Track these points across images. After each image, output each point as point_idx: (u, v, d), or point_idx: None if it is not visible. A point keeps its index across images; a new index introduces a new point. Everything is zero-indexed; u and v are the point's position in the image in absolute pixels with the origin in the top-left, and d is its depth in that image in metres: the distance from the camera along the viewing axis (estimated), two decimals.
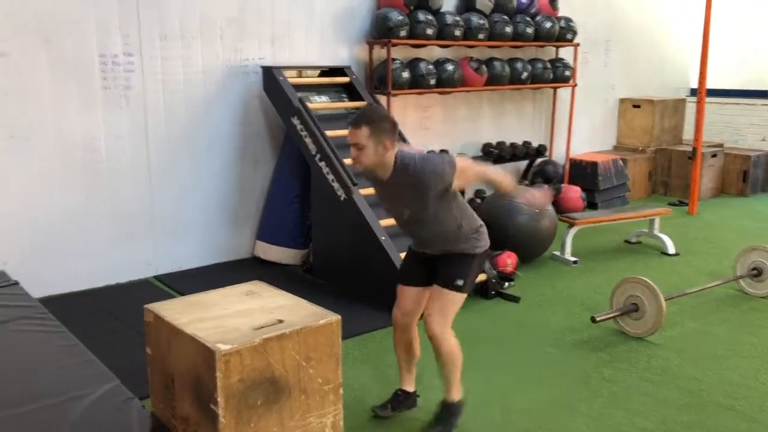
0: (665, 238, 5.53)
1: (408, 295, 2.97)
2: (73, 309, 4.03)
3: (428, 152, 2.90)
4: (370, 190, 4.49)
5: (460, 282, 2.79)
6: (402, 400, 3.04)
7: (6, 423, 2.32)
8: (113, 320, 3.93)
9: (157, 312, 2.33)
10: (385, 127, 2.64)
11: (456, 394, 2.91)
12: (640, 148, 7.82)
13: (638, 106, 7.90)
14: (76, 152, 4.31)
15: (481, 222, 2.92)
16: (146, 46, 4.47)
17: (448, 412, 2.90)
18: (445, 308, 2.80)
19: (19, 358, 2.84)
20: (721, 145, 8.00)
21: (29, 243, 4.20)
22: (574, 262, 5.16)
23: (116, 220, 4.52)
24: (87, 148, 4.34)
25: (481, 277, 4.37)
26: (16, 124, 4.08)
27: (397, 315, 3.00)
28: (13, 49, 3.99)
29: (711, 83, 6.95)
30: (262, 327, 2.19)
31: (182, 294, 4.13)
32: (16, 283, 3.78)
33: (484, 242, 2.88)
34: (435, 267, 2.86)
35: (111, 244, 4.52)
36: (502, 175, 2.90)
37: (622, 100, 8.02)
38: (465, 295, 2.85)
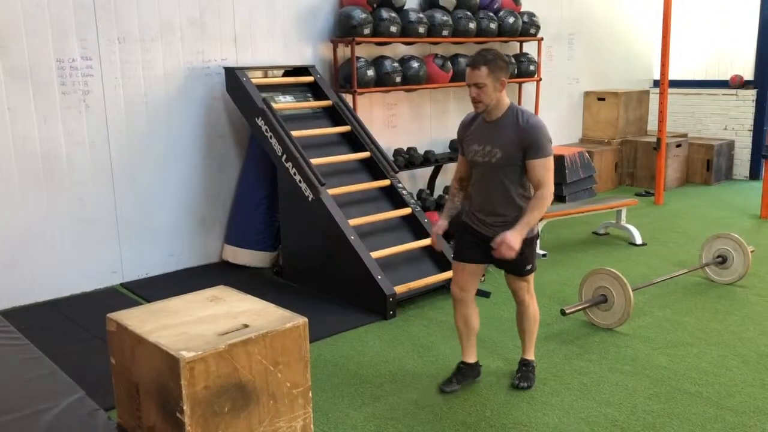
0: (632, 228, 5.60)
1: (464, 271, 3.14)
2: (37, 320, 3.95)
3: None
4: (338, 190, 4.48)
5: (529, 267, 3.09)
6: (465, 372, 3.23)
7: None
8: (78, 330, 3.85)
9: (120, 321, 2.28)
10: (500, 65, 2.86)
11: (532, 353, 3.26)
12: (606, 141, 7.91)
13: (603, 99, 7.98)
14: (35, 160, 4.21)
15: None
16: (104, 49, 4.39)
17: (527, 368, 3.24)
18: (527, 285, 3.15)
19: None
20: (685, 135, 8.12)
21: None
22: (543, 255, 5.19)
23: (80, 228, 4.43)
24: (47, 155, 4.25)
25: (451, 273, 4.37)
26: None
27: (455, 290, 3.19)
28: None
29: (674, 74, 7.05)
30: (227, 332, 2.15)
31: (149, 301, 4.08)
32: None
33: (537, 226, 3.11)
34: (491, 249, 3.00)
35: (75, 253, 4.43)
36: (541, 209, 2.92)
37: (587, 93, 8.10)
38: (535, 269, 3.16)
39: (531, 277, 3.17)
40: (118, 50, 4.45)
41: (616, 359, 3.48)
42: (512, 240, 2.81)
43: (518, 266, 3.07)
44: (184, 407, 2.01)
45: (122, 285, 4.62)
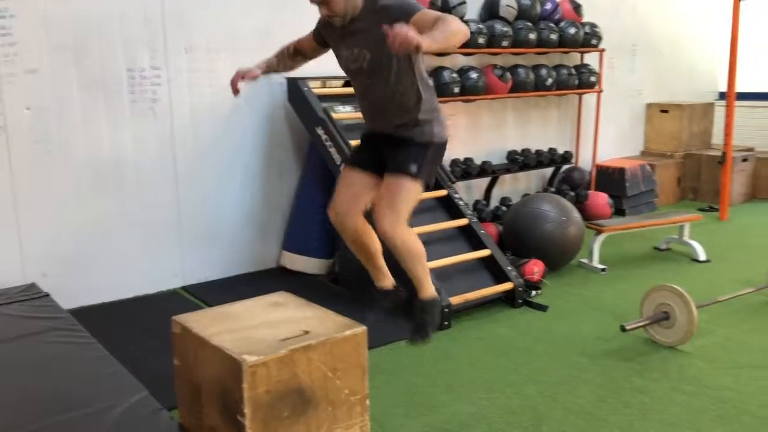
0: (695, 244, 5.44)
1: (347, 188, 2.64)
2: (103, 320, 4.07)
3: None
4: None
5: (413, 167, 2.47)
6: (380, 298, 2.83)
7: None
8: (142, 331, 3.97)
9: (185, 323, 2.35)
10: None
11: (427, 291, 2.69)
12: (669, 154, 7.72)
13: (666, 111, 7.80)
14: (105, 165, 4.37)
15: (441, 108, 2.67)
16: (172, 59, 4.53)
17: (421, 311, 2.69)
18: (395, 199, 2.49)
19: (49, 370, 2.88)
20: (752, 149, 7.86)
21: (59, 255, 4.26)
22: (602, 269, 5.10)
23: (144, 233, 4.57)
24: (116, 161, 4.40)
25: (508, 285, 4.34)
26: (50, 138, 4.15)
27: (331, 215, 2.71)
28: (44, 66, 4.07)
29: (741, 86, 6.84)
30: (288, 338, 2.19)
31: (209, 305, 4.18)
32: (47, 295, 3.84)
33: (443, 130, 2.59)
34: (385, 154, 2.53)
35: (139, 256, 4.57)
36: (454, 34, 2.28)
37: (650, 105, 7.93)
38: (420, 187, 2.53)
39: (404, 189, 2.43)
40: (186, 60, 4.58)
41: (679, 378, 3.39)
42: (411, 32, 2.08)
43: (400, 161, 2.44)
44: (245, 410, 2.05)
45: (183, 288, 4.73)
